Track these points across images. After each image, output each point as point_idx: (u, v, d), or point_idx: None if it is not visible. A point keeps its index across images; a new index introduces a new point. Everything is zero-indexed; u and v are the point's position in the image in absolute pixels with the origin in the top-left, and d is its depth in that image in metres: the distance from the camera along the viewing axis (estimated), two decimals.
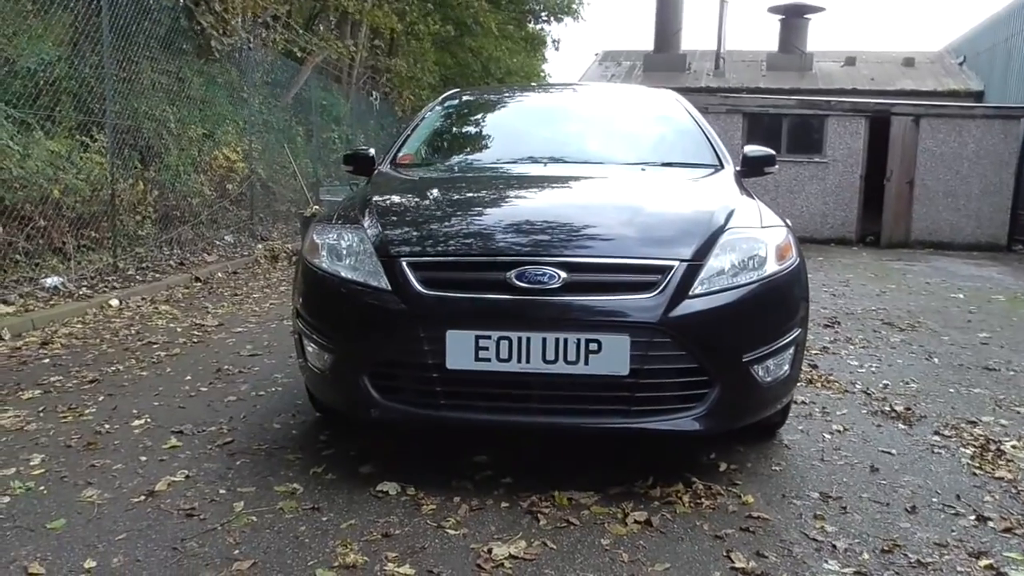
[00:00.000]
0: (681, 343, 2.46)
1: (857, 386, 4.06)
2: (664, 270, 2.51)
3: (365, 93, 16.68)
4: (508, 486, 2.65)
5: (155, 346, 4.61)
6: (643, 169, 3.44)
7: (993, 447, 3.14)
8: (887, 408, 3.65)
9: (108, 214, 6.81)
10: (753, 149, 3.79)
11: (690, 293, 2.49)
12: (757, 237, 2.75)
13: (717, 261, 2.59)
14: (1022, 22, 16.17)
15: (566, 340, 2.42)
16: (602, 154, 3.68)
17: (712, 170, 3.52)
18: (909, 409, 3.64)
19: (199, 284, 6.99)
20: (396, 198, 3.13)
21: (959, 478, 2.84)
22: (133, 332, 4.98)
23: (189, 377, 3.97)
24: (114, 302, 5.76)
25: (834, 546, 2.29)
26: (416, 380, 2.56)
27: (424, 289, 2.52)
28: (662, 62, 23.35)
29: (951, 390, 4.05)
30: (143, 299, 6.08)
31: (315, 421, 3.31)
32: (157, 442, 3.04)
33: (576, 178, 3.36)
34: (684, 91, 14.98)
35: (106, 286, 6.22)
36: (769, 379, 2.64)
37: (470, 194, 3.18)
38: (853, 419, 3.50)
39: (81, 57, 6.81)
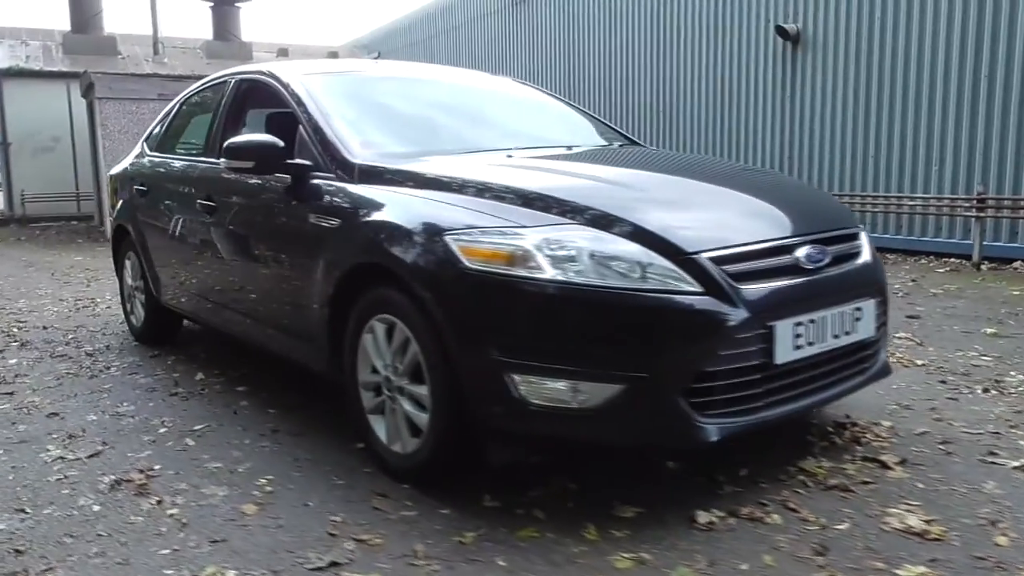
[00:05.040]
0: (879, 302, 2.75)
1: None
2: (855, 236, 2.75)
3: None
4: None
5: None
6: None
7: None
8: None
9: None
10: None
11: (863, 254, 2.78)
12: None
13: None
14: (421, 31, 18.80)
15: (844, 313, 2.49)
16: (565, 139, 3.55)
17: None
18: None
19: None
20: (542, 189, 2.48)
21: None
22: None
23: None
24: None
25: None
26: (734, 387, 2.28)
27: (737, 284, 2.25)
28: (87, 44, 20.60)
29: None
30: None
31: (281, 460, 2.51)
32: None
33: (656, 159, 3.29)
34: (129, 77, 13.60)
35: None
36: None
37: (613, 177, 2.82)
38: None
39: None
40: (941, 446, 2.82)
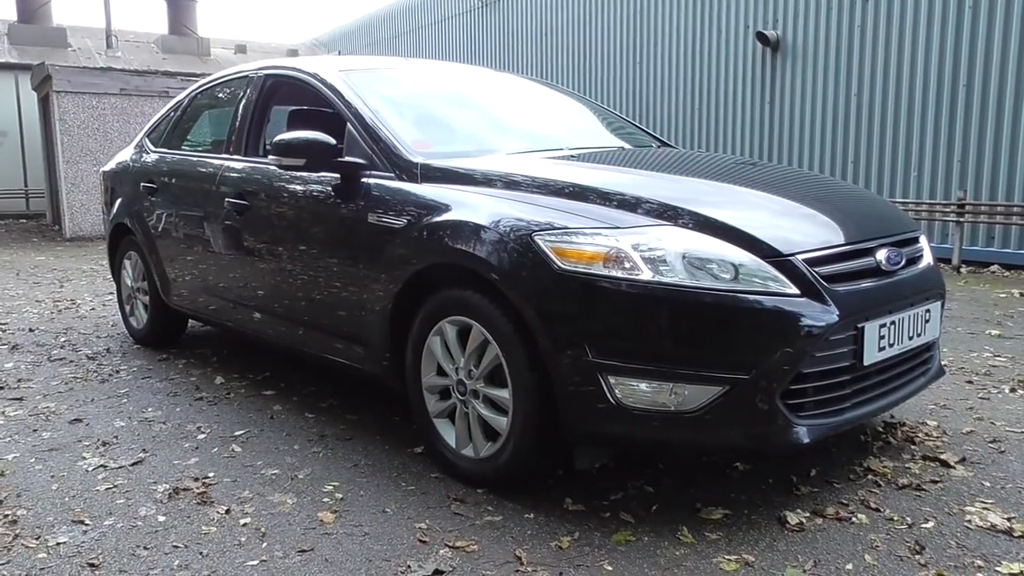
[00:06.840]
0: (941, 304, 2.80)
1: None
2: (917, 239, 2.80)
3: None
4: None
5: None
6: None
7: None
8: None
9: None
10: None
11: (925, 256, 2.83)
12: None
13: None
14: (384, 31, 18.64)
15: (917, 314, 2.53)
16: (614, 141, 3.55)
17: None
18: None
19: None
20: (603, 186, 2.49)
21: None
22: None
23: None
24: None
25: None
26: (824, 388, 2.29)
27: (830, 285, 2.27)
28: (34, 35, 19.77)
29: None
30: None
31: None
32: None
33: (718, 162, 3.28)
34: (89, 71, 13.14)
35: None
36: None
37: (690, 178, 2.88)
38: None
39: None
40: (992, 445, 2.89)
